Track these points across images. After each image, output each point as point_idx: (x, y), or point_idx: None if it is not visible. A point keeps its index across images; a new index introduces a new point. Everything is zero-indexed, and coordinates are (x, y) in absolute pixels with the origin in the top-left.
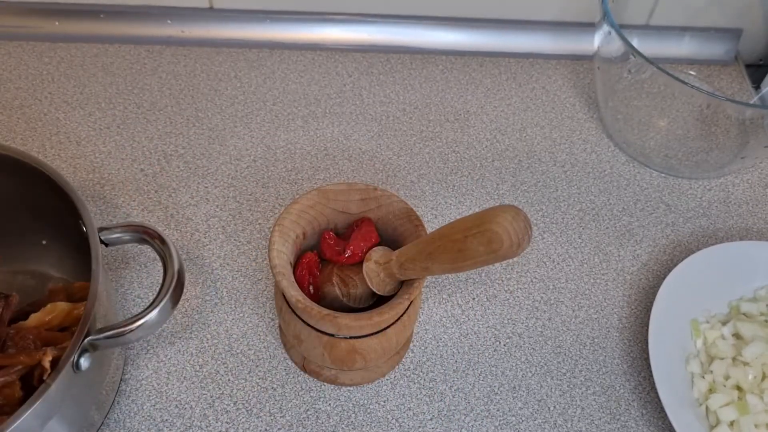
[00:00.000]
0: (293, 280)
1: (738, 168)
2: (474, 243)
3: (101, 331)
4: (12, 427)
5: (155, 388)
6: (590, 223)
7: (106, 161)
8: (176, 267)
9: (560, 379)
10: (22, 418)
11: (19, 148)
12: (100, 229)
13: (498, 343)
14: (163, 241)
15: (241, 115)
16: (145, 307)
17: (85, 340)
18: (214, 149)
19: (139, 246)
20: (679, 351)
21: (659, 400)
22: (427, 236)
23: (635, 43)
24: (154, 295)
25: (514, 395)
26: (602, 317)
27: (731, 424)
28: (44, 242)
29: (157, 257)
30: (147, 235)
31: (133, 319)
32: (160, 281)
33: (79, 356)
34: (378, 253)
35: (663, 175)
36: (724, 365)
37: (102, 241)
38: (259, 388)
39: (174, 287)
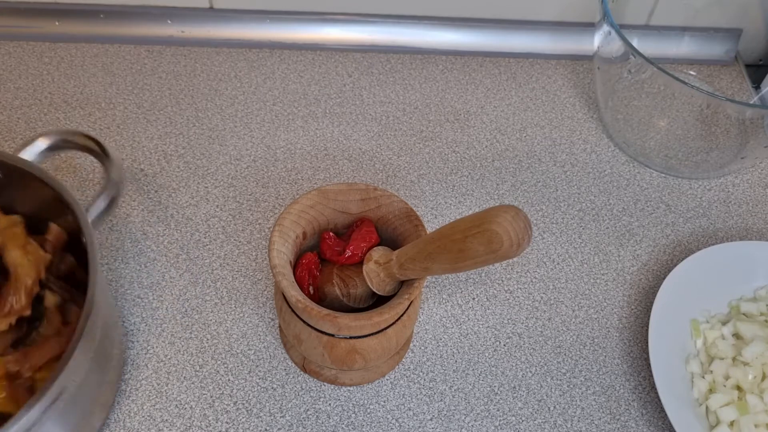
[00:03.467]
0: (293, 280)
1: (738, 168)
2: (474, 243)
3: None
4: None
5: (155, 388)
6: (590, 223)
7: None
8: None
9: (560, 379)
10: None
11: None
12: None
13: (498, 343)
14: (106, 154)
15: (241, 115)
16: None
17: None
18: (214, 149)
19: (139, 246)
20: (679, 351)
21: (659, 400)
22: (427, 236)
23: (635, 43)
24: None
25: (514, 395)
26: (602, 317)
27: (731, 424)
28: None
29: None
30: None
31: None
32: (160, 280)
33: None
34: (378, 253)
35: (663, 175)
36: (724, 365)
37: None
38: (259, 388)
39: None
